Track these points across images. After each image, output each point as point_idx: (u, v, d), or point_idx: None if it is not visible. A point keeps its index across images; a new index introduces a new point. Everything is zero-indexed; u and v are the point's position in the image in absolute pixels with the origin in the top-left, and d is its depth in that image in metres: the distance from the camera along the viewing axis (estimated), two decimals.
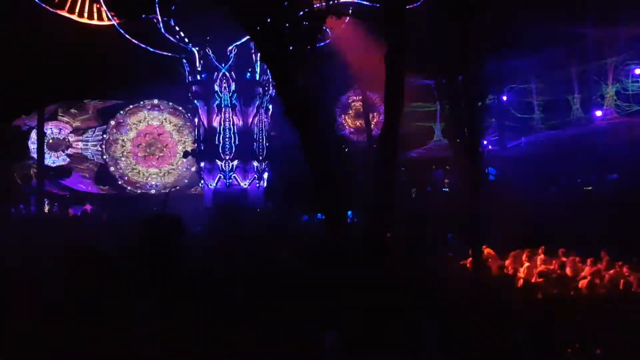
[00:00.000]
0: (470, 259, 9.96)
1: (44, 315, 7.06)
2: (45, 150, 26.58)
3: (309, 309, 6.84)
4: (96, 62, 21.01)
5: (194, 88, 21.70)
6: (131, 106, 29.14)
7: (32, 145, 26.81)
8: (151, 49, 20.65)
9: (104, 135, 28.94)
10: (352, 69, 22.05)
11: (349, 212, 11.75)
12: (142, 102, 29.06)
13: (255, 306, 7.05)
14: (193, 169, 27.17)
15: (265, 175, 22.30)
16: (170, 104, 29.14)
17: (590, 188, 20.67)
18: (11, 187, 24.12)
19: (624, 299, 8.43)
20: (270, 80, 20.43)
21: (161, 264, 7.13)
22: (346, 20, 20.79)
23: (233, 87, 21.06)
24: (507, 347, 6.85)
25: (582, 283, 9.56)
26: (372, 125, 26.57)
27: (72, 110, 28.93)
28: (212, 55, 20.77)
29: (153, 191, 28.75)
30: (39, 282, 8.07)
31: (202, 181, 22.32)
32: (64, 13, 19.40)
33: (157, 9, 19.37)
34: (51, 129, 28.15)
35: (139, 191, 28.69)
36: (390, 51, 8.93)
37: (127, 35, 19.76)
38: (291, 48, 9.30)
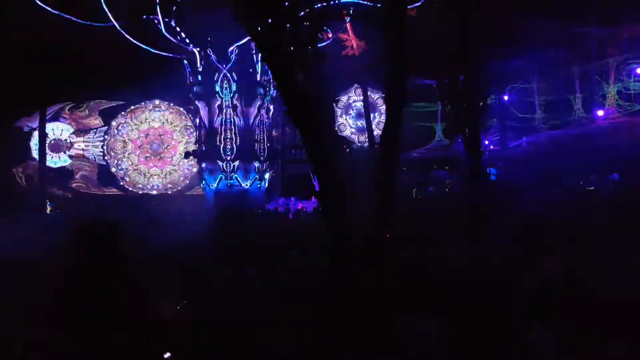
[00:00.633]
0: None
1: None
2: (47, 151, 26.65)
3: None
4: (97, 63, 21.06)
5: (195, 89, 21.71)
6: (132, 107, 29.19)
7: (34, 147, 26.88)
8: (152, 50, 20.68)
9: (106, 136, 28.99)
10: (353, 68, 22.10)
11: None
12: (143, 103, 29.11)
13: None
14: (194, 169, 27.21)
15: (267, 175, 22.32)
16: (172, 104, 29.18)
17: (592, 188, 20.65)
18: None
19: None
20: (272, 80, 20.46)
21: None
22: (347, 21, 20.86)
23: (234, 87, 21.07)
24: (507, 347, 6.82)
25: None
26: (374, 126, 26.59)
27: (74, 111, 29.00)
28: (213, 55, 20.78)
29: (154, 192, 28.81)
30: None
31: (204, 182, 22.34)
32: (65, 14, 19.42)
33: (158, 9, 19.38)
34: (53, 130, 28.20)
35: (140, 192, 28.74)
36: (391, 51, 8.92)
37: (128, 36, 19.78)
38: (292, 48, 9.31)
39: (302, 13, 11.75)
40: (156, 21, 19.74)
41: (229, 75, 21.01)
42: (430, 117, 31.22)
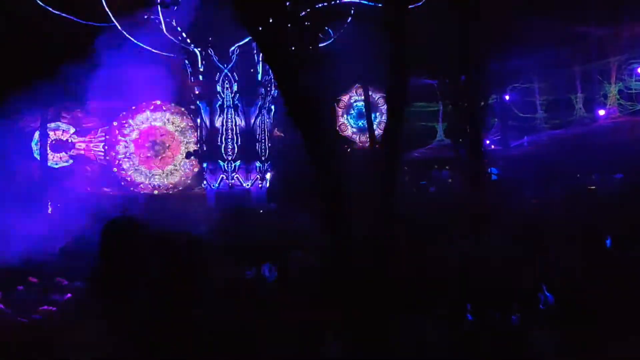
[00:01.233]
0: None
1: None
2: (48, 151, 26.66)
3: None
4: (98, 63, 21.05)
5: (196, 89, 21.72)
6: (134, 107, 29.16)
7: (36, 147, 26.89)
8: (154, 50, 20.68)
9: (107, 136, 28.97)
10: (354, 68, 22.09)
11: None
12: (144, 103, 29.07)
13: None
14: (196, 169, 27.19)
15: (268, 175, 22.31)
16: (173, 104, 29.15)
17: (594, 187, 20.62)
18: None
19: None
20: (273, 80, 20.46)
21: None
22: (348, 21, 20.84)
23: (235, 87, 21.07)
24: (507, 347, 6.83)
25: None
26: (375, 126, 26.55)
27: (75, 112, 28.99)
28: (214, 56, 20.78)
29: (156, 192, 28.76)
30: None
31: (205, 182, 22.33)
32: (66, 14, 19.44)
33: (160, 9, 19.38)
34: (54, 130, 28.21)
35: (142, 192, 28.70)
36: (392, 51, 8.92)
37: (129, 37, 19.79)
38: (293, 48, 9.31)
39: (303, 13, 11.75)
40: (157, 21, 19.74)
41: (230, 75, 21.01)
42: (431, 117, 31.18)
